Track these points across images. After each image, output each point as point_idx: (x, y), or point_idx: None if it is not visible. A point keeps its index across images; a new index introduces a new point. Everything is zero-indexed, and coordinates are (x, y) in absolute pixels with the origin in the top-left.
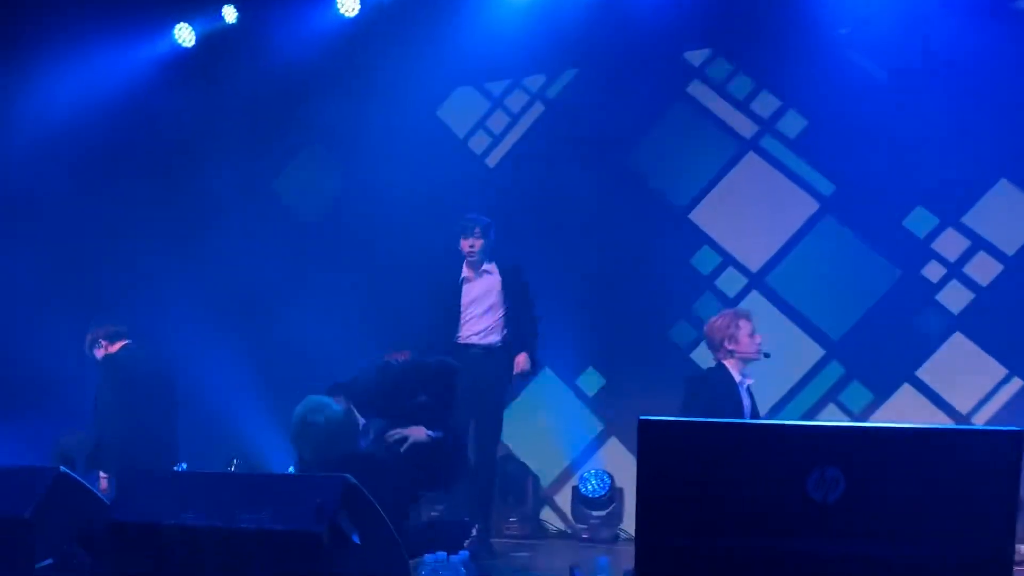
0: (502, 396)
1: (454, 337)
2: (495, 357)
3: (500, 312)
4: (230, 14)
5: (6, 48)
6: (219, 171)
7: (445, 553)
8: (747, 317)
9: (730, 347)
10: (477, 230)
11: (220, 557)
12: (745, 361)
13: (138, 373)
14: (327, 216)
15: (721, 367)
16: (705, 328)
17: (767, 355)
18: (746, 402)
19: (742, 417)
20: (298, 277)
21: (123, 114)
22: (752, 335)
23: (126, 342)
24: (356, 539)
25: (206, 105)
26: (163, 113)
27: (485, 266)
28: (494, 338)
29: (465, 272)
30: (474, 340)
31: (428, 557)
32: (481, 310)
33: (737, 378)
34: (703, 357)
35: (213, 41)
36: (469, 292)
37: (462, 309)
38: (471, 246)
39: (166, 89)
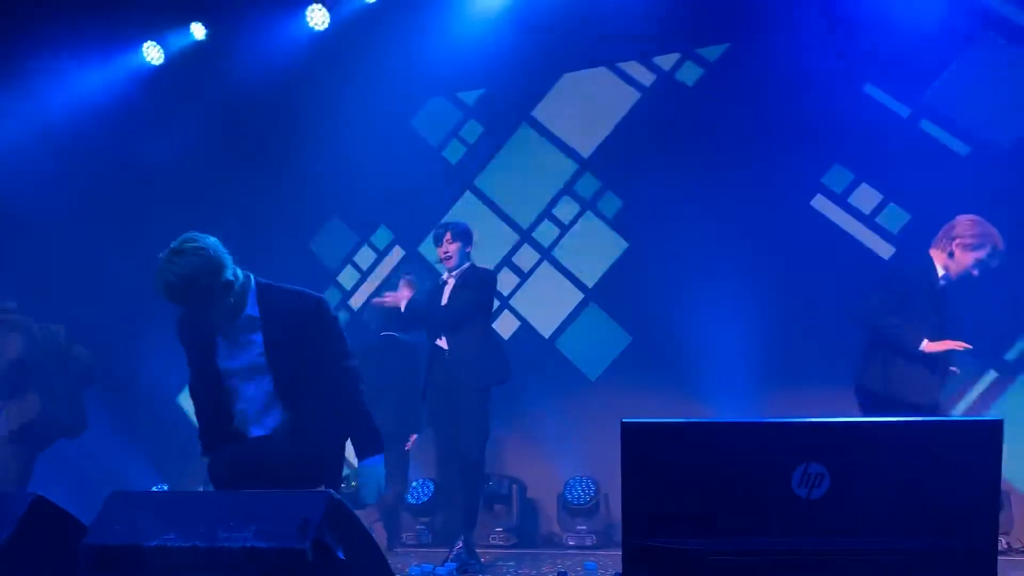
0: (485, 401)
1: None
2: (475, 360)
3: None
4: (199, 31)
5: None
6: (190, 187)
7: (432, 566)
8: (995, 255)
9: (952, 248)
10: (448, 235)
11: None
12: (947, 270)
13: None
14: (300, 228)
15: (927, 257)
16: (958, 218)
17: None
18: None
19: (938, 310)
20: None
21: (91, 132)
22: (976, 265)
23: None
24: (340, 554)
25: (177, 123)
26: (133, 132)
27: (463, 267)
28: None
29: (444, 276)
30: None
31: (413, 570)
32: None
33: (939, 271)
34: (691, 357)
35: (183, 58)
36: (445, 292)
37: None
38: (445, 252)
39: (136, 107)
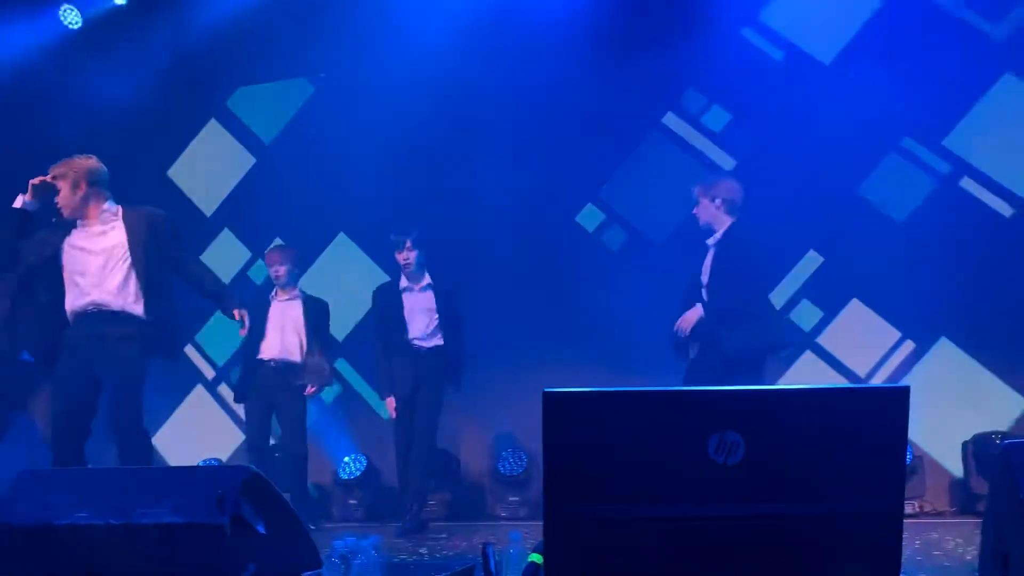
0: (441, 393)
1: (404, 336)
2: (439, 357)
3: (437, 321)
4: None
5: None
6: (111, 159)
7: (354, 538)
8: (734, 200)
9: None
10: (408, 243)
11: (119, 555)
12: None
13: None
14: (230, 206)
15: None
16: (729, 182)
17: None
18: (706, 261)
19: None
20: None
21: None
22: (718, 210)
23: None
24: (261, 529)
25: (97, 88)
26: (51, 97)
27: (424, 279)
28: (436, 341)
29: (404, 283)
30: (419, 343)
31: (337, 543)
32: (423, 320)
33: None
34: (620, 329)
35: (103, 22)
36: (409, 301)
37: (406, 317)
38: (405, 259)
39: (56, 72)
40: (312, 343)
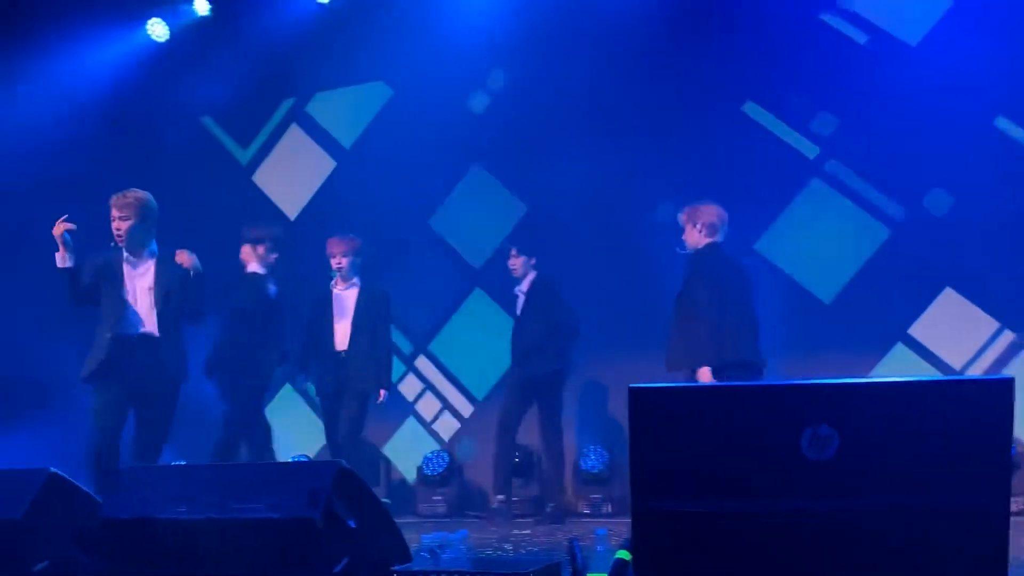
0: (560, 387)
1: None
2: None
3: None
4: (202, 6)
5: None
6: (199, 166)
7: (444, 533)
8: (715, 224)
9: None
10: (513, 250)
11: (216, 548)
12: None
13: None
14: (313, 210)
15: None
16: (711, 207)
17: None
18: None
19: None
20: (289, 271)
21: (100, 114)
22: (700, 234)
23: None
24: (352, 523)
25: (183, 99)
26: (140, 108)
27: (525, 284)
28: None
29: (516, 289)
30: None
31: (426, 538)
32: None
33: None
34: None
35: (188, 34)
36: (519, 304)
37: (518, 316)
38: (512, 265)
39: (144, 85)
40: (360, 333)
